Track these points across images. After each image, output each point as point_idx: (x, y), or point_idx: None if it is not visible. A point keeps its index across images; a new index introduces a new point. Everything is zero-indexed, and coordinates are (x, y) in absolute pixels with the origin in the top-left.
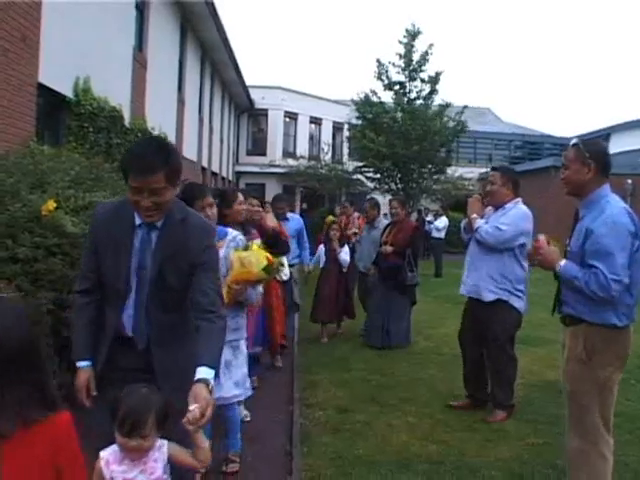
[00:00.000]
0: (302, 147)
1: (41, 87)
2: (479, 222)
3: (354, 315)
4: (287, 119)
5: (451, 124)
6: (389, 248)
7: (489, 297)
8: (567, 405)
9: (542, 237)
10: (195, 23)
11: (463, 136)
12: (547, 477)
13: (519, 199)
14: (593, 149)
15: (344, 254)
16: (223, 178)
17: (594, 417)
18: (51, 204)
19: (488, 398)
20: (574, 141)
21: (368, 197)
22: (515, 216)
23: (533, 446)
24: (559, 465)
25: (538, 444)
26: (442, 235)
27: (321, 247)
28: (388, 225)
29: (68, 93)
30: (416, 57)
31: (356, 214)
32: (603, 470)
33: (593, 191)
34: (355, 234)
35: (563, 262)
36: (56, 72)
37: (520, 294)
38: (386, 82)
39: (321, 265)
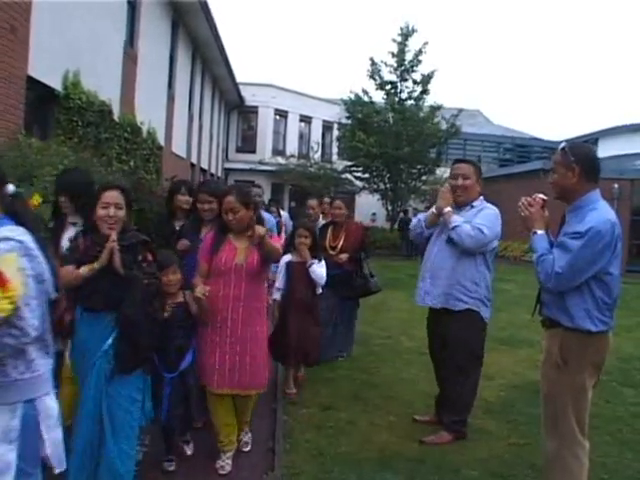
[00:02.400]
0: (292, 145)
1: (30, 80)
2: (457, 219)
3: (316, 361)
4: (277, 117)
5: (444, 126)
6: (344, 256)
7: (459, 307)
8: (543, 408)
9: (540, 196)
10: (187, 19)
11: (453, 137)
12: (526, 477)
13: (482, 197)
14: (578, 153)
15: (318, 267)
16: (212, 175)
17: (569, 421)
18: (36, 199)
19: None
20: (562, 145)
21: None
22: (491, 217)
23: (514, 446)
24: (539, 465)
25: (519, 444)
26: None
27: (282, 263)
28: (325, 226)
29: (57, 86)
30: (409, 57)
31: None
32: (578, 473)
33: (580, 197)
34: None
35: (541, 232)
36: (46, 65)
37: (489, 303)
38: (378, 81)
39: (277, 292)
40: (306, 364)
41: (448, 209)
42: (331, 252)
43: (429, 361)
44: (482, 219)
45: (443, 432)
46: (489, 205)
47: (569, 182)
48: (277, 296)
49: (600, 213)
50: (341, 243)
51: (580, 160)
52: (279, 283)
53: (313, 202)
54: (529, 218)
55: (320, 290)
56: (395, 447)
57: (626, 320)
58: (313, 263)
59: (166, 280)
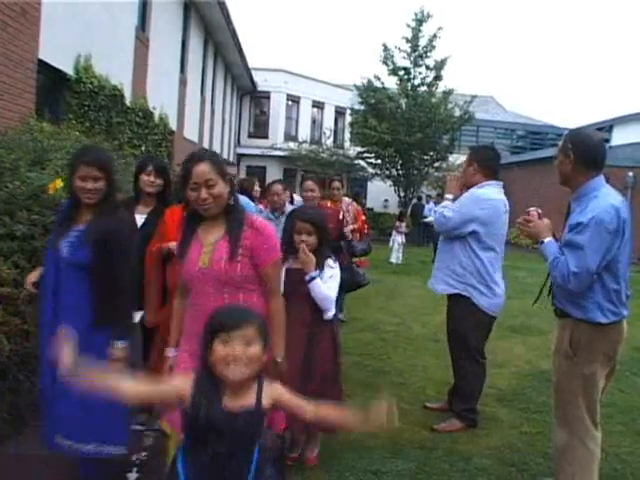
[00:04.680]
0: (304, 131)
1: (41, 63)
2: (442, 204)
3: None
4: (289, 102)
5: (457, 112)
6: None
7: (448, 291)
8: (554, 398)
9: (533, 209)
10: (199, 3)
11: (466, 124)
12: (539, 466)
13: (488, 182)
14: (575, 140)
15: (324, 282)
16: (224, 160)
17: (579, 411)
18: (58, 183)
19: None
20: (566, 131)
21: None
22: (465, 200)
23: (526, 435)
24: (551, 454)
25: (530, 433)
26: None
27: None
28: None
29: (69, 70)
30: (423, 42)
31: (347, 199)
32: (589, 463)
33: (583, 184)
34: (355, 232)
35: (548, 239)
36: (57, 49)
37: (484, 289)
38: (391, 67)
39: None
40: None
41: (447, 196)
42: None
43: (441, 348)
44: (456, 203)
45: (454, 420)
46: (474, 190)
47: (566, 169)
48: None
49: (601, 200)
50: None
51: (575, 147)
52: None
53: (277, 187)
54: (533, 233)
55: (330, 315)
56: (406, 434)
57: (639, 309)
58: (314, 276)
59: (228, 353)
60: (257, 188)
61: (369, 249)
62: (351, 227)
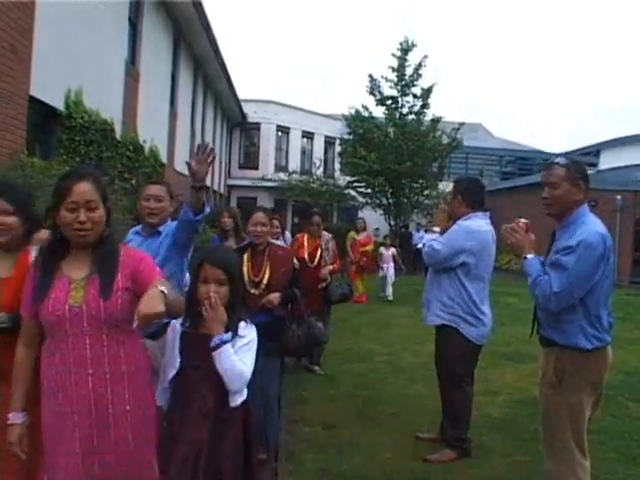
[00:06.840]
0: (294, 161)
1: (32, 99)
2: (429, 237)
3: None
4: (279, 133)
5: (445, 140)
6: (275, 296)
7: (435, 322)
8: (542, 427)
9: (522, 221)
10: (188, 37)
11: (455, 151)
12: None
13: (474, 214)
14: (581, 169)
15: (239, 350)
16: (215, 191)
17: (567, 440)
18: None
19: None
20: (561, 160)
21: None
22: (452, 234)
23: (518, 463)
24: None
25: (523, 461)
26: None
27: (172, 332)
28: (239, 250)
29: (59, 106)
30: (409, 71)
31: (327, 235)
32: None
33: (573, 212)
34: (335, 272)
35: (531, 255)
36: (47, 84)
37: (472, 319)
38: (378, 97)
39: (163, 393)
40: None
41: (434, 228)
42: (253, 291)
43: (433, 377)
44: (445, 236)
45: (447, 450)
46: (461, 222)
47: (574, 198)
48: (162, 402)
49: (589, 226)
50: (267, 276)
51: (584, 177)
52: (163, 376)
53: (259, 215)
54: (516, 245)
55: (239, 400)
56: (399, 465)
57: (630, 333)
58: (225, 341)
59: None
60: (226, 219)
61: (350, 293)
62: (330, 268)
